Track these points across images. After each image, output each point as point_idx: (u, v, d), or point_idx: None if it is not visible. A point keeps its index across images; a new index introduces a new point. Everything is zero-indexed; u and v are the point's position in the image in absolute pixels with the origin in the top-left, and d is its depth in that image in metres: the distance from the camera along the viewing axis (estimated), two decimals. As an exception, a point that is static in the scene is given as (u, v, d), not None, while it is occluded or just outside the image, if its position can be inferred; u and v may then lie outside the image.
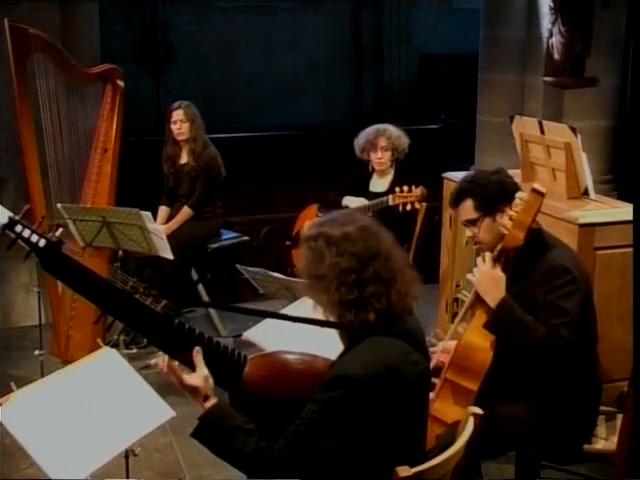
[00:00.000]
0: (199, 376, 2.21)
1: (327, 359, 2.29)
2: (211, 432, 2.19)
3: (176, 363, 2.25)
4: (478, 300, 2.97)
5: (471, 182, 3.05)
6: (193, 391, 2.22)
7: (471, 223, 3.04)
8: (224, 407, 2.22)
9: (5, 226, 2.21)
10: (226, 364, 2.26)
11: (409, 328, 2.23)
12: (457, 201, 3.07)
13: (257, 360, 2.30)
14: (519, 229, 2.88)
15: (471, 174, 3.17)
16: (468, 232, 3.11)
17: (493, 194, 2.98)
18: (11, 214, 3.47)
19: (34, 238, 2.18)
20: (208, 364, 2.23)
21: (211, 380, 2.22)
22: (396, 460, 2.07)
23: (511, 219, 2.90)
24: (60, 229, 2.28)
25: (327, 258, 2.16)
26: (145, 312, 2.21)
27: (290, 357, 2.30)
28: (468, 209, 3.03)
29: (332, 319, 2.21)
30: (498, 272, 2.94)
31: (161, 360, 2.28)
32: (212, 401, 2.22)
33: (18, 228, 2.19)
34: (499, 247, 2.96)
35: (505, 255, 2.99)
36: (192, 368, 2.23)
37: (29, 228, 2.20)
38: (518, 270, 3.01)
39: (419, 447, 2.28)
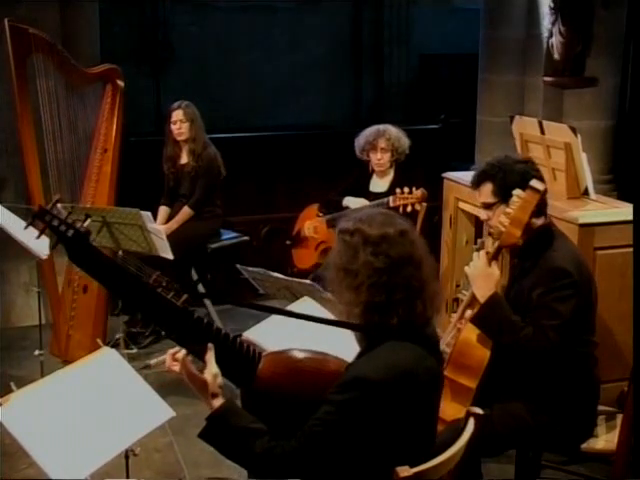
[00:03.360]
0: (209, 373, 2.20)
1: (338, 358, 2.28)
2: (219, 432, 2.18)
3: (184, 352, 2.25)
4: (475, 298, 2.98)
5: (495, 166, 3.05)
6: (201, 387, 2.22)
7: (487, 207, 3.05)
8: (233, 406, 2.21)
9: (35, 215, 2.21)
10: (241, 359, 2.26)
11: (427, 334, 2.21)
12: (478, 182, 3.08)
13: (271, 357, 2.29)
14: (516, 226, 2.88)
15: (498, 158, 3.13)
16: (483, 215, 3.12)
17: (513, 183, 2.96)
18: (12, 214, 3.45)
19: (62, 228, 2.19)
20: (223, 359, 2.22)
21: (220, 379, 2.21)
22: (406, 462, 2.06)
23: (508, 216, 2.90)
24: (89, 219, 2.29)
25: (361, 256, 2.13)
26: (166, 306, 2.23)
27: (303, 355, 2.29)
28: (487, 192, 3.04)
29: (345, 318, 2.19)
30: (492, 269, 2.94)
31: (169, 356, 2.27)
32: (220, 400, 2.20)
33: (47, 217, 2.19)
34: (496, 244, 2.96)
35: (504, 252, 3.00)
36: (203, 361, 2.22)
37: (58, 218, 2.20)
38: (523, 265, 3.01)
39: (428, 449, 2.26)
